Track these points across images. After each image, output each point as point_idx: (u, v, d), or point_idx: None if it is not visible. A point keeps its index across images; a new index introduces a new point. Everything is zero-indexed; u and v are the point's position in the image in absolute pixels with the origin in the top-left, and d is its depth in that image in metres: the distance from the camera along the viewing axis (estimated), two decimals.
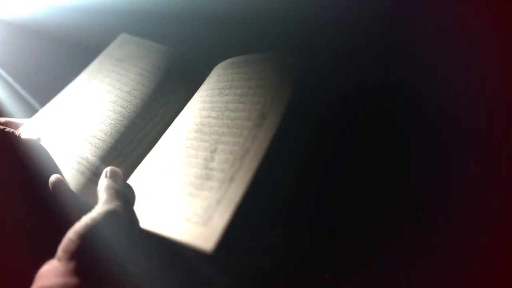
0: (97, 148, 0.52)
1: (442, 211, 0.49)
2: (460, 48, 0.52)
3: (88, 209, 0.42)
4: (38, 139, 0.53)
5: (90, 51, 0.68)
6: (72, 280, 0.36)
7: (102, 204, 0.43)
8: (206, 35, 0.67)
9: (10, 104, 0.74)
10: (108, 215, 0.41)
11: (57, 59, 0.84)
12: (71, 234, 0.39)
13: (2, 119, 0.58)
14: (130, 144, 0.54)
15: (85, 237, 0.39)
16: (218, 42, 0.65)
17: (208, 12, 0.68)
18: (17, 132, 0.52)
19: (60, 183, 0.48)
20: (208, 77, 0.58)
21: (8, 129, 0.51)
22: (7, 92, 0.77)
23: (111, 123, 0.55)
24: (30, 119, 0.60)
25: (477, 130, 0.51)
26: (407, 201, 0.50)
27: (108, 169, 0.48)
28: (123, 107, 0.56)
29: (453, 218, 0.48)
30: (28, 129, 0.58)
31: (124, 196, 0.46)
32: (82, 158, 0.52)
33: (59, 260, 0.38)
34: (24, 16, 0.83)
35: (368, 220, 0.50)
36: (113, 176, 0.47)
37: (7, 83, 0.80)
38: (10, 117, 0.60)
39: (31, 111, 0.65)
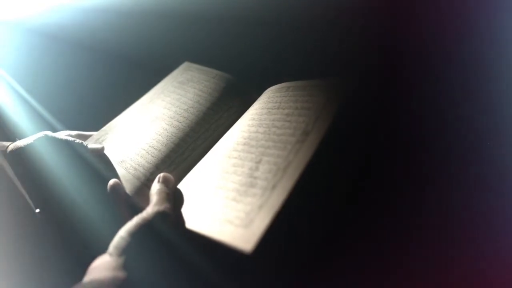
0: (153, 156, 0.57)
1: (445, 212, 0.47)
2: None
3: (140, 210, 0.45)
4: (102, 148, 0.59)
5: (90, 51, 0.70)
6: (121, 274, 0.38)
7: (152, 206, 0.46)
8: (259, 62, 0.71)
9: (10, 103, 0.76)
10: (158, 216, 0.44)
11: (57, 59, 0.86)
12: (123, 232, 0.42)
13: (74, 132, 0.65)
14: (183, 154, 0.58)
15: (135, 235, 0.41)
16: (270, 69, 0.69)
17: (260, 41, 0.71)
18: (85, 143, 0.58)
19: (118, 186, 0.53)
20: (259, 99, 0.61)
21: (78, 140, 0.58)
22: (7, 92, 0.80)
23: (167, 135, 0.59)
24: (97, 132, 0.66)
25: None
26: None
27: (161, 175, 0.51)
28: (180, 122, 0.61)
29: (454, 219, 0.46)
30: (95, 139, 0.64)
31: (173, 199, 0.49)
32: (138, 165, 0.56)
33: (110, 255, 0.40)
34: (24, 16, 0.85)
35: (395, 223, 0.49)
36: (165, 181, 0.51)
37: (7, 83, 0.82)
38: (9, 117, 0.64)
39: (31, 110, 0.68)
